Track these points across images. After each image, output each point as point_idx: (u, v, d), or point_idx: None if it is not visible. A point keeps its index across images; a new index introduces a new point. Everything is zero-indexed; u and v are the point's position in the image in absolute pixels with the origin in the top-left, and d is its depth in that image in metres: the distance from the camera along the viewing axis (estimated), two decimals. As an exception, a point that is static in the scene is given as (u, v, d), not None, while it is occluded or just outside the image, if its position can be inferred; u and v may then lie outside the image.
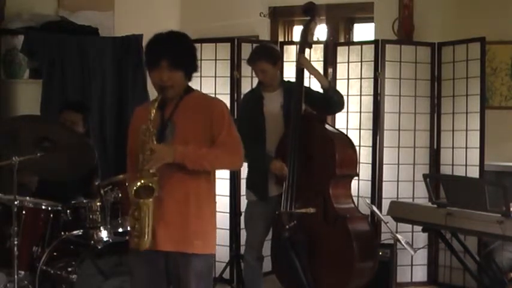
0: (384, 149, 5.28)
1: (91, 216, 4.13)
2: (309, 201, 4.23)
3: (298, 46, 4.52)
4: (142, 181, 2.89)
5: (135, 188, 2.89)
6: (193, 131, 3.03)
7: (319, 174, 4.31)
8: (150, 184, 2.89)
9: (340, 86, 5.36)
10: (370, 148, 5.30)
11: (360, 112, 5.37)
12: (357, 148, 4.73)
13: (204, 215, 3.08)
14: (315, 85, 4.77)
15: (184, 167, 2.95)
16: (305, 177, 4.28)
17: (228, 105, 5.27)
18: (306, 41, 4.46)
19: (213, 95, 5.25)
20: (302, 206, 4.21)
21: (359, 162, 4.86)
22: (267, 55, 4.42)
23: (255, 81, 4.74)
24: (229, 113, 3.13)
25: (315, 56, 5.40)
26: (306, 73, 4.54)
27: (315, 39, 4.60)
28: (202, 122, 3.03)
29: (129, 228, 4.08)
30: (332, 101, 4.41)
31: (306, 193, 4.27)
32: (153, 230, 2.95)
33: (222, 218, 5.19)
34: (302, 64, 4.43)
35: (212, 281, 3.22)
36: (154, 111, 2.94)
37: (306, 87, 4.50)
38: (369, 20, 5.92)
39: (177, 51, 3.01)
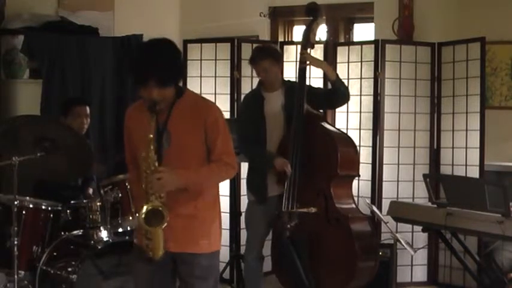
0: (384, 149, 5.28)
1: (91, 216, 4.14)
2: (310, 200, 4.23)
3: (300, 46, 4.52)
4: (150, 205, 2.89)
5: (144, 214, 2.88)
6: (188, 138, 3.03)
7: (321, 173, 4.30)
8: (160, 208, 2.89)
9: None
10: (370, 148, 5.30)
11: (360, 112, 5.37)
12: (357, 148, 4.73)
13: (208, 216, 3.12)
14: (314, 84, 4.78)
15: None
16: (307, 176, 4.28)
17: (228, 105, 5.30)
18: (309, 41, 4.46)
19: (213, 95, 5.28)
20: (303, 206, 4.21)
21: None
22: (270, 54, 4.43)
23: (255, 81, 4.74)
24: (224, 120, 3.11)
25: (315, 55, 5.38)
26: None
27: (317, 39, 4.60)
28: (197, 129, 3.02)
29: (128, 228, 4.14)
30: (339, 93, 4.40)
31: (308, 193, 4.26)
32: None
33: (222, 218, 5.13)
34: (307, 59, 4.41)
35: (219, 276, 3.26)
36: (152, 136, 2.89)
37: (307, 85, 4.49)
38: (369, 20, 5.92)
39: (164, 69, 2.90)
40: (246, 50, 5.29)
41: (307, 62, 4.42)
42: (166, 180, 2.89)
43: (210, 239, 3.10)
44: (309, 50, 4.46)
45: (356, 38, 6.15)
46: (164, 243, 2.99)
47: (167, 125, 3.01)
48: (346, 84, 4.58)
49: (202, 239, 3.07)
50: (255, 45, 5.22)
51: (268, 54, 4.41)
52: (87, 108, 4.81)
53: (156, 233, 2.93)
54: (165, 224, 2.90)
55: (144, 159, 2.92)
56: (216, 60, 5.46)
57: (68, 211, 4.27)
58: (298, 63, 4.50)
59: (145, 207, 2.89)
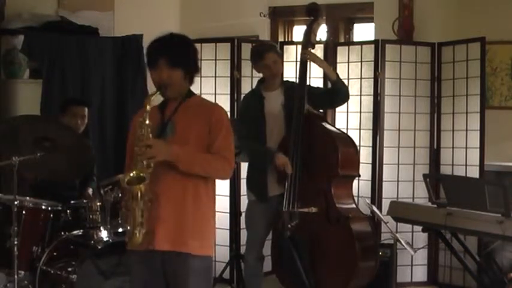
0: (384, 149, 5.28)
1: (91, 216, 4.14)
2: (311, 200, 4.23)
3: (301, 46, 4.52)
4: (134, 172, 2.91)
5: (127, 178, 2.90)
6: (193, 132, 3.04)
7: (322, 173, 4.30)
8: (142, 174, 2.90)
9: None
10: (370, 148, 5.30)
11: (360, 112, 5.37)
12: (357, 148, 4.73)
13: (202, 215, 3.07)
14: (314, 84, 4.78)
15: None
16: (307, 176, 4.28)
17: (228, 105, 5.30)
18: (310, 41, 4.47)
19: (213, 95, 5.28)
20: (304, 206, 4.21)
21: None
22: (273, 47, 4.52)
23: (255, 81, 4.74)
24: (228, 120, 3.13)
25: (315, 56, 5.40)
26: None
27: (317, 39, 4.62)
28: (202, 125, 3.04)
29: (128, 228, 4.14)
30: (340, 92, 4.41)
31: (308, 192, 4.27)
32: (149, 229, 2.94)
33: (222, 218, 5.18)
34: (308, 56, 4.41)
35: (211, 283, 3.20)
36: (149, 106, 2.96)
37: (307, 85, 4.50)
38: (369, 20, 5.92)
39: (175, 49, 3.04)
40: (246, 50, 5.29)
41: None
42: (156, 148, 2.91)
43: (202, 241, 3.05)
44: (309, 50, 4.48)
45: (356, 38, 6.15)
46: (154, 240, 2.96)
47: (173, 116, 3.06)
48: (346, 84, 4.59)
49: (192, 238, 3.01)
50: (254, 45, 5.23)
51: (271, 47, 4.48)
52: (85, 110, 4.80)
53: (135, 194, 2.89)
54: (145, 183, 2.87)
55: (139, 125, 2.94)
56: (216, 60, 5.46)
57: (68, 211, 4.27)
58: (299, 62, 4.51)
59: (130, 173, 2.90)
